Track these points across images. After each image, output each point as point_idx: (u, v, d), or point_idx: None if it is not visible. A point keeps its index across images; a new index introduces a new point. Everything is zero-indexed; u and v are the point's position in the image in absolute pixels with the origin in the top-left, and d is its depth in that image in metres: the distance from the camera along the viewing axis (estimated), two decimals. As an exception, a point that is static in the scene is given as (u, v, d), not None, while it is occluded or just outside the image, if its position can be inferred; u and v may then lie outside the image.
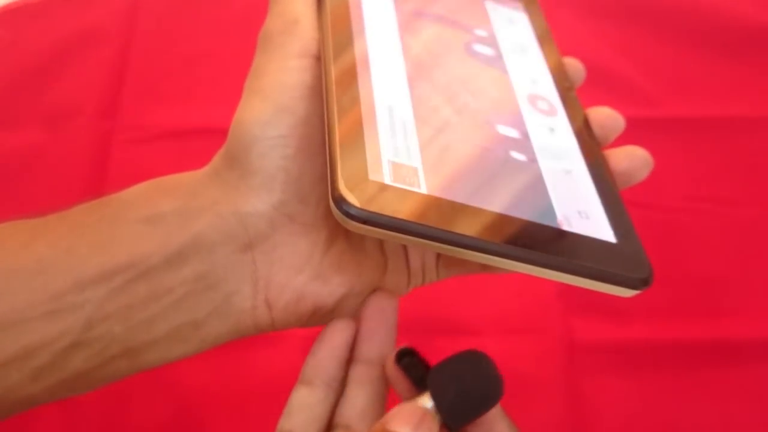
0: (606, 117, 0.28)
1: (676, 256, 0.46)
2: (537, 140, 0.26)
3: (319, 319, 0.27)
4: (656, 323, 0.43)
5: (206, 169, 0.26)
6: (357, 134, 0.23)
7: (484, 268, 0.27)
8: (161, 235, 0.24)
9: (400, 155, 0.23)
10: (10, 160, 0.52)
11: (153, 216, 0.25)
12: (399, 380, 0.24)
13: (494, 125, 0.26)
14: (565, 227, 0.23)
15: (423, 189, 0.22)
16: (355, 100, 0.24)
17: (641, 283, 0.23)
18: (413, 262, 0.28)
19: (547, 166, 0.25)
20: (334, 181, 0.22)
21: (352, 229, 0.21)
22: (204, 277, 0.25)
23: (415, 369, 0.24)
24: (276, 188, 0.25)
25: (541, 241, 0.23)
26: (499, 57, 0.29)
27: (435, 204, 0.22)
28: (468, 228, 0.22)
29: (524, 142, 0.26)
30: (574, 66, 0.31)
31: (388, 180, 0.22)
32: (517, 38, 0.31)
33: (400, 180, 0.22)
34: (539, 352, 0.43)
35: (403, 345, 0.25)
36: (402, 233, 0.22)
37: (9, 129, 0.53)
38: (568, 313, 0.43)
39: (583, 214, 0.24)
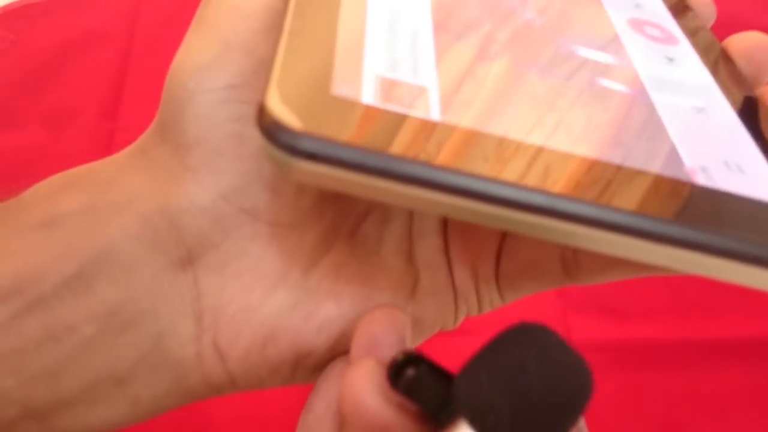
0: (756, 46, 0.19)
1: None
2: (645, 69, 0.18)
3: (306, 373, 0.18)
4: (655, 322, 0.43)
5: (131, 147, 0.19)
6: (322, 36, 0.15)
7: (567, 273, 0.18)
8: (58, 247, 0.17)
9: (398, 70, 0.15)
10: (11, 161, 0.52)
11: (51, 219, 0.17)
12: (394, 415, 0.14)
13: (570, 46, 0.18)
14: (702, 181, 0.15)
15: (435, 116, 0.14)
16: None
17: None
18: (460, 274, 0.19)
19: (663, 100, 0.17)
20: (263, 96, 0.13)
21: (299, 178, 0.13)
22: (119, 309, 0.17)
23: (425, 387, 0.14)
24: (225, 168, 0.17)
25: (659, 200, 0.14)
26: None
27: (459, 136, 0.14)
28: (520, 175, 0.13)
29: (622, 69, 0.18)
30: (701, 2, 0.21)
31: (368, 99, 0.14)
32: None
33: (392, 101, 0.14)
34: None
35: (400, 353, 0.15)
36: (392, 180, 0.13)
37: (10, 129, 0.53)
38: (567, 312, 0.43)
39: (734, 165, 0.16)
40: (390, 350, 0.16)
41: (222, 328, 0.17)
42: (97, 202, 0.17)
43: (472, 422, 0.13)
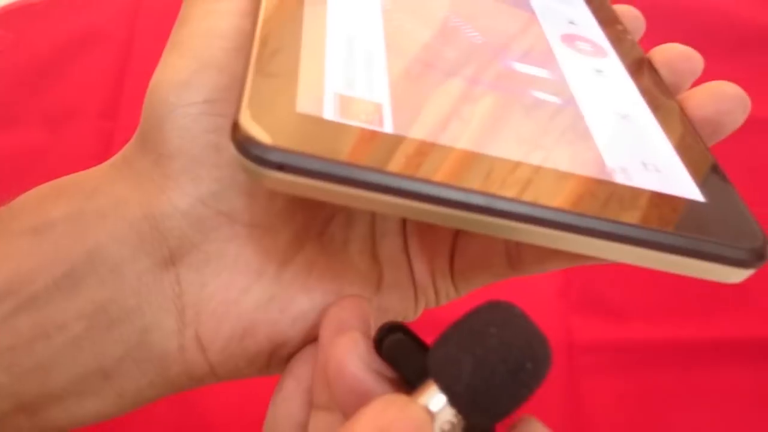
0: (677, 56, 0.21)
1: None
2: (575, 81, 0.20)
3: (281, 362, 0.19)
4: (655, 323, 0.43)
5: (114, 158, 0.20)
6: (286, 59, 0.17)
7: (511, 266, 0.21)
8: (48, 250, 0.18)
9: (355, 88, 0.17)
10: (11, 160, 0.52)
11: (40, 226, 0.18)
12: (374, 381, 0.16)
13: (508, 62, 0.20)
14: (621, 179, 0.17)
15: (389, 129, 0.16)
16: (294, 21, 0.18)
17: (752, 256, 0.16)
18: (419, 270, 0.21)
19: (590, 109, 0.19)
20: (236, 114, 0.15)
21: (270, 186, 0.15)
22: (106, 307, 0.18)
23: (405, 353, 0.16)
24: (204, 175, 0.18)
25: (582, 196, 0.16)
26: None
27: (409, 146, 0.16)
28: (468, 180, 0.15)
29: (555, 82, 0.20)
30: (630, 14, 0.23)
31: (329, 115, 0.16)
32: None
33: (350, 117, 0.16)
34: None
35: (385, 324, 0.17)
36: (351, 186, 0.15)
37: (10, 129, 0.53)
38: (568, 313, 0.43)
39: (651, 165, 0.18)
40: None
41: (203, 322, 0.19)
42: (84, 209, 0.18)
43: (437, 380, 0.15)
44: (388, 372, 0.17)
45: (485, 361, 0.15)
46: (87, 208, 0.18)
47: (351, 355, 0.16)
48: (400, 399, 0.14)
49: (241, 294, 0.19)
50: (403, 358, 0.16)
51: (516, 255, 0.21)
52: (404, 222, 0.22)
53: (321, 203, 0.19)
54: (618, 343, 0.43)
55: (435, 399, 0.15)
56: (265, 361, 0.19)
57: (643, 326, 0.43)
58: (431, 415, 0.15)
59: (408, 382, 0.16)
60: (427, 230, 0.21)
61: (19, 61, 0.57)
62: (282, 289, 0.19)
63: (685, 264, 0.16)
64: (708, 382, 0.42)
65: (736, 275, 0.16)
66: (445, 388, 0.15)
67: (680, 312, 0.44)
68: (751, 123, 0.52)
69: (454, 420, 0.15)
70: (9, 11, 0.60)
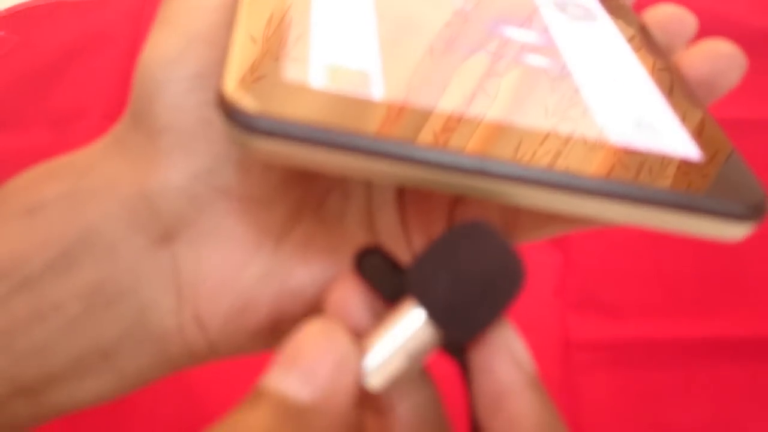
0: (669, 18, 0.21)
1: (671, 253, 0.46)
2: (566, 44, 0.20)
3: (282, 337, 0.18)
4: (652, 321, 0.43)
5: (106, 136, 0.20)
6: (273, 26, 0.17)
7: (507, 234, 0.20)
8: (42, 231, 0.18)
9: (343, 56, 0.17)
10: (16, 161, 0.52)
11: (34, 205, 0.18)
12: (355, 300, 0.16)
13: (497, 27, 0.20)
14: (614, 139, 0.17)
15: (378, 96, 0.16)
16: None
17: (751, 210, 0.16)
18: (416, 241, 0.21)
19: (581, 71, 0.19)
20: (221, 82, 0.15)
21: (257, 154, 0.15)
22: (102, 286, 0.18)
23: (384, 274, 0.17)
24: (197, 150, 0.18)
25: (574, 156, 0.16)
26: None
27: (400, 112, 0.16)
28: (457, 142, 0.15)
29: (544, 46, 0.20)
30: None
31: (317, 83, 0.16)
32: None
33: (338, 84, 0.16)
34: (535, 349, 0.42)
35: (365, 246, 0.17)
36: (341, 152, 0.15)
37: (15, 130, 0.53)
38: (565, 311, 0.44)
39: (645, 124, 0.18)
40: (360, 308, 0.17)
41: (201, 300, 0.18)
42: (77, 188, 0.18)
43: (415, 294, 0.15)
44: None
45: (461, 276, 0.15)
46: (80, 187, 0.18)
47: (352, 293, 0.17)
48: (331, 328, 0.15)
49: (239, 269, 0.19)
50: (381, 276, 0.16)
51: (512, 222, 0.21)
52: (401, 194, 0.22)
53: (316, 176, 0.20)
54: (615, 341, 0.43)
55: (413, 314, 0.15)
56: (266, 336, 0.19)
57: (641, 324, 0.43)
58: (361, 353, 0.15)
59: (386, 299, 0.17)
60: (423, 202, 0.21)
61: (25, 62, 0.57)
62: (280, 263, 0.19)
63: (684, 221, 0.16)
64: (705, 379, 0.42)
65: (736, 231, 0.16)
66: (424, 302, 0.15)
67: (677, 310, 0.44)
68: (751, 123, 0.53)
69: (429, 338, 0.15)
70: (14, 13, 0.60)
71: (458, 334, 0.15)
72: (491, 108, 0.17)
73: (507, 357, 0.15)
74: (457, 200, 0.21)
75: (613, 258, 0.44)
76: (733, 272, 0.46)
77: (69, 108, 0.54)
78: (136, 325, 0.18)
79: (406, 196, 0.22)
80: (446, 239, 0.16)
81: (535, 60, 0.19)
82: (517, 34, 0.20)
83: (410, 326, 0.15)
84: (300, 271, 0.19)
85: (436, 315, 0.15)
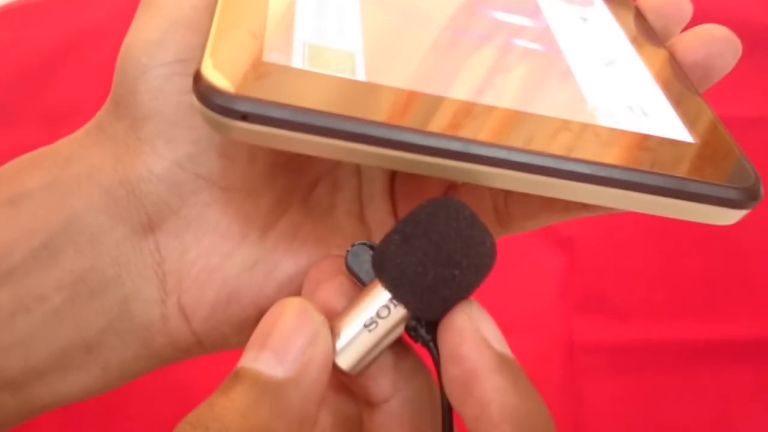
0: (664, 3, 0.21)
1: (676, 255, 0.46)
2: (559, 29, 0.20)
3: None
4: (656, 323, 0.43)
5: (89, 124, 0.19)
6: (254, 8, 0.17)
7: (500, 223, 0.20)
8: (24, 222, 0.17)
9: (326, 37, 0.17)
10: (9, 159, 0.52)
11: (16, 196, 0.18)
12: (332, 282, 0.17)
13: (489, 11, 0.20)
14: (606, 122, 0.17)
15: (361, 77, 0.16)
16: None
17: (746, 195, 0.16)
18: None
19: (574, 55, 0.19)
20: (198, 64, 0.15)
21: (236, 137, 0.14)
22: (85, 277, 0.17)
23: (360, 261, 0.17)
24: (179, 137, 0.18)
25: (565, 140, 0.16)
26: None
27: (380, 92, 0.15)
28: (438, 124, 0.15)
29: (537, 30, 0.20)
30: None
31: (299, 64, 0.16)
32: None
33: (321, 66, 0.16)
34: (539, 352, 0.42)
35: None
36: (320, 135, 0.14)
37: (9, 128, 0.53)
38: (569, 314, 0.43)
39: (638, 108, 0.17)
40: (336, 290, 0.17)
41: (186, 290, 0.18)
42: (59, 177, 0.18)
43: (380, 277, 0.15)
44: None
45: (423, 252, 0.15)
46: (62, 176, 0.18)
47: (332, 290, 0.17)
48: (302, 307, 0.14)
49: (224, 259, 0.18)
50: (359, 262, 0.16)
51: (504, 211, 0.20)
52: (392, 185, 0.21)
53: (303, 166, 0.19)
54: (619, 344, 0.43)
55: (378, 293, 0.15)
56: (252, 329, 0.18)
57: (645, 326, 0.43)
58: (333, 330, 0.15)
59: (362, 284, 0.16)
60: (414, 192, 0.21)
61: (18, 60, 0.56)
62: (266, 253, 0.19)
63: (678, 206, 0.16)
64: (709, 382, 0.42)
65: (729, 216, 0.16)
66: (384, 279, 0.15)
67: (681, 312, 0.44)
68: (751, 122, 0.53)
69: (394, 316, 0.15)
70: (7, 10, 0.60)
71: (421, 311, 0.15)
72: (473, 88, 0.17)
73: (473, 337, 0.15)
74: (448, 190, 0.21)
75: (617, 260, 0.44)
76: (737, 275, 0.46)
77: (62, 105, 0.54)
78: (119, 316, 0.18)
79: (396, 187, 0.21)
80: (412, 217, 0.15)
81: (528, 45, 0.19)
82: (509, 18, 0.20)
83: (375, 305, 0.15)
84: (286, 262, 0.19)
85: (395, 292, 0.15)
